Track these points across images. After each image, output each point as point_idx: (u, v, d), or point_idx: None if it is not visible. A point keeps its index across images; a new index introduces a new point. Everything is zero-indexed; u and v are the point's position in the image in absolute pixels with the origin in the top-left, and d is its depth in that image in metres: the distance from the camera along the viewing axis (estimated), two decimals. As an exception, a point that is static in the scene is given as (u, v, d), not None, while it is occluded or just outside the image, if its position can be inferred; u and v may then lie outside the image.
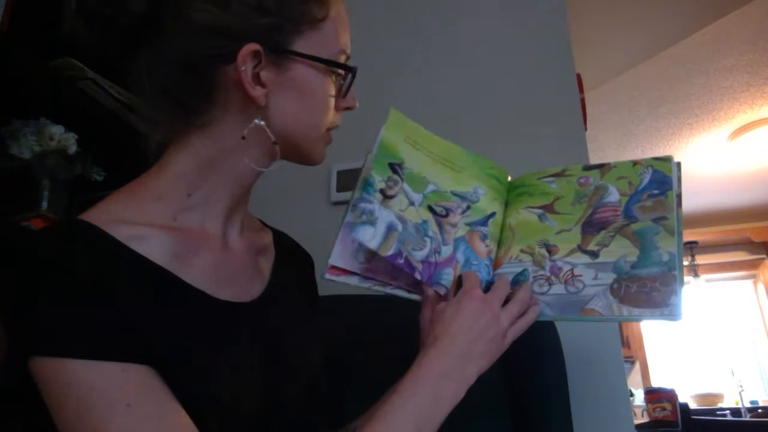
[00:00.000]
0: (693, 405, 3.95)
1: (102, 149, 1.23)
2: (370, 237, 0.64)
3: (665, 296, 0.59)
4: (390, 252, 0.64)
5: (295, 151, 0.65)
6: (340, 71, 0.64)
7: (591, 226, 0.68)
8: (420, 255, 0.66)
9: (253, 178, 0.65)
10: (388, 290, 0.67)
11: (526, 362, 0.87)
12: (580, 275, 0.65)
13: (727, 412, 3.60)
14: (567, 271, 0.65)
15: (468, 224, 0.71)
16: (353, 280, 0.67)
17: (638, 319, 0.62)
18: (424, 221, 0.69)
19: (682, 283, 0.60)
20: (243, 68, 0.57)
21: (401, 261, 0.65)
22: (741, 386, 3.74)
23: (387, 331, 0.89)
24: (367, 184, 0.67)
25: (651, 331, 4.51)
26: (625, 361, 3.93)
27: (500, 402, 0.88)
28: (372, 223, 0.65)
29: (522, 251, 0.69)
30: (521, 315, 0.64)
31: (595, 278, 0.64)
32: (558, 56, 1.30)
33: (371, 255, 0.67)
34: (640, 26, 2.34)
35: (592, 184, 0.71)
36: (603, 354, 1.07)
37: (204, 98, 0.59)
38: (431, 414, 0.57)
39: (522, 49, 1.34)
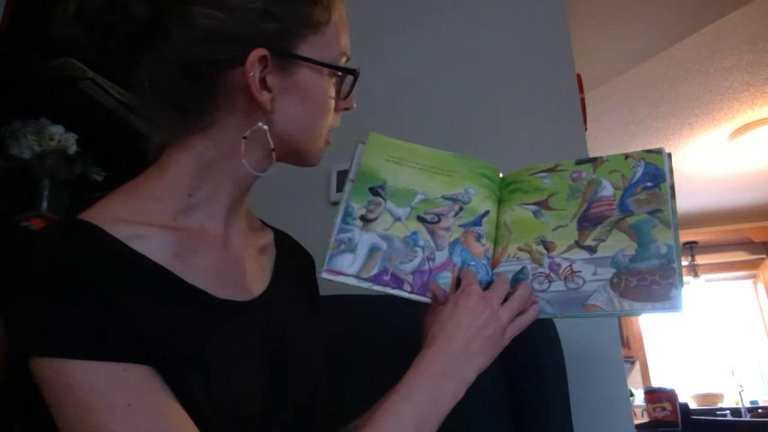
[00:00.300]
0: (693, 405, 3.95)
1: (102, 149, 1.23)
2: (349, 264, 0.67)
3: (665, 289, 0.60)
4: (373, 272, 0.66)
5: (295, 153, 0.65)
6: (341, 73, 0.64)
7: (587, 221, 0.68)
8: (410, 267, 0.67)
9: (252, 180, 0.65)
10: (389, 291, 0.67)
11: (526, 362, 0.87)
12: (580, 271, 0.65)
13: (727, 412, 3.60)
14: (566, 268, 0.65)
15: (462, 226, 0.71)
16: (351, 280, 0.67)
17: (639, 313, 0.62)
18: (414, 232, 0.69)
19: (681, 275, 0.60)
20: (251, 73, 0.57)
21: (387, 278, 0.66)
22: (741, 386, 3.74)
23: (387, 330, 0.89)
24: (346, 214, 0.69)
25: (651, 331, 4.51)
26: (625, 361, 3.93)
27: (500, 402, 0.88)
28: (351, 250, 0.67)
29: (520, 249, 0.69)
30: (521, 312, 0.64)
31: (595, 273, 0.64)
32: (558, 56, 1.30)
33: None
34: (640, 26, 2.34)
35: (585, 178, 0.71)
36: (603, 354, 1.07)
37: (207, 102, 0.59)
38: (431, 414, 0.57)
39: (522, 49, 1.34)
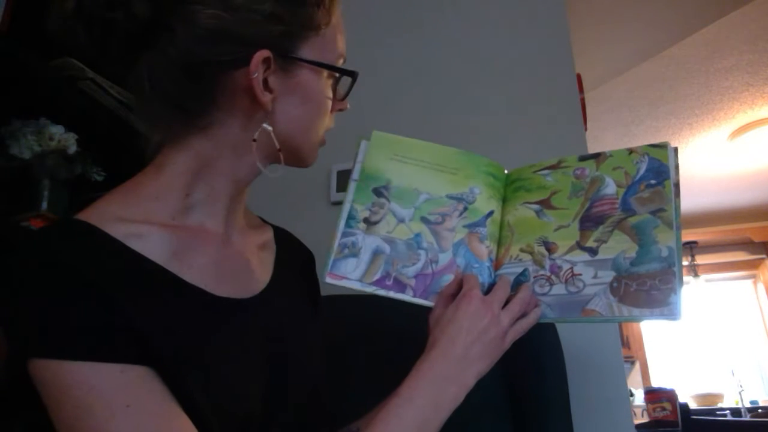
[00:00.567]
0: (693, 405, 3.95)
1: (102, 149, 1.23)
2: (353, 268, 0.67)
3: (665, 295, 0.59)
4: (376, 277, 0.66)
5: (292, 154, 0.65)
6: (339, 74, 0.65)
7: (589, 220, 0.67)
8: (413, 270, 0.67)
9: (251, 179, 0.65)
10: (392, 295, 0.67)
11: (526, 362, 0.87)
12: (580, 274, 0.64)
13: (727, 412, 3.60)
14: (567, 270, 0.65)
15: (466, 226, 0.70)
16: (355, 285, 0.67)
17: (638, 320, 0.61)
18: (417, 234, 0.69)
19: (681, 280, 0.60)
20: (255, 75, 0.57)
21: (389, 282, 0.66)
22: (741, 386, 3.74)
23: (387, 330, 0.89)
24: (350, 217, 0.69)
25: (651, 331, 4.51)
26: (625, 361, 3.93)
27: (500, 402, 0.88)
28: (355, 254, 0.67)
29: (521, 250, 0.69)
30: (522, 316, 0.64)
31: (595, 277, 0.63)
32: (558, 56, 1.30)
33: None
34: (640, 26, 2.33)
35: (588, 176, 0.70)
36: (603, 354, 1.07)
37: (207, 102, 0.59)
38: (431, 417, 0.57)
39: (522, 49, 1.34)
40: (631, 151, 0.69)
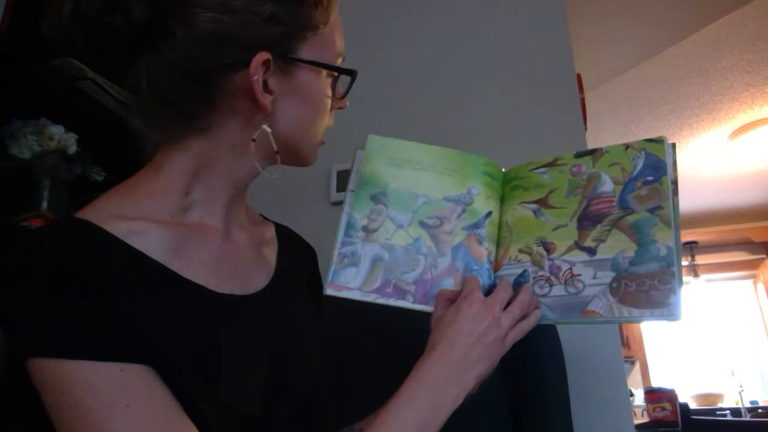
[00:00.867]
0: (693, 405, 3.95)
1: (102, 149, 1.23)
2: (353, 277, 0.67)
3: (664, 295, 0.59)
4: (376, 285, 0.67)
5: (293, 154, 0.65)
6: (338, 74, 0.65)
7: (587, 219, 0.67)
8: (412, 276, 0.67)
9: (250, 179, 0.65)
10: (392, 302, 0.67)
11: (526, 362, 0.87)
12: (579, 274, 0.64)
13: (727, 412, 3.60)
14: (566, 271, 0.65)
15: (465, 228, 0.70)
16: (355, 294, 0.67)
17: (638, 320, 0.61)
18: (416, 239, 0.69)
19: (680, 280, 0.59)
20: (255, 77, 0.57)
21: (389, 290, 0.66)
22: (741, 386, 3.74)
23: (388, 330, 0.89)
24: (349, 227, 0.69)
25: (651, 331, 4.51)
26: (625, 361, 3.93)
27: (500, 402, 0.87)
28: (355, 263, 0.68)
29: (520, 251, 0.69)
30: (523, 318, 0.64)
31: (594, 277, 0.63)
32: (558, 56, 1.30)
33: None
34: (641, 26, 2.33)
35: (585, 173, 0.69)
36: (603, 354, 1.07)
37: (206, 104, 0.59)
38: (431, 418, 0.57)
39: (522, 49, 1.34)
40: (627, 146, 0.68)
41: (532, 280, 0.66)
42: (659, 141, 0.67)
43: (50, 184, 1.16)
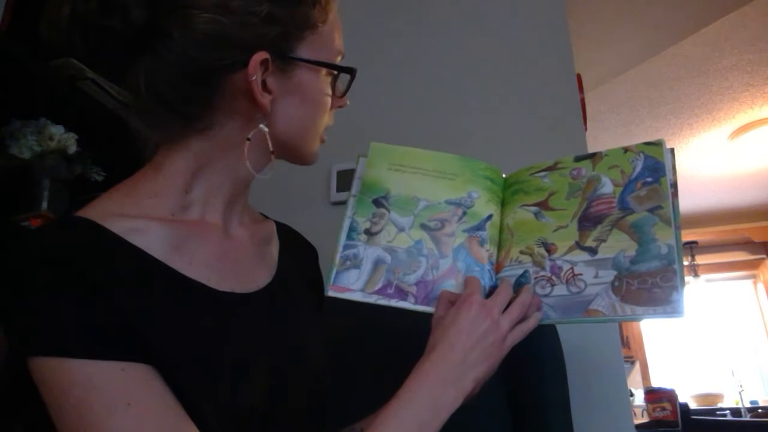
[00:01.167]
0: (693, 405, 3.95)
1: (102, 149, 1.23)
2: (354, 279, 0.68)
3: (666, 293, 0.59)
4: (378, 286, 0.68)
5: (294, 153, 0.65)
6: (338, 72, 0.65)
7: (587, 220, 0.67)
8: (414, 277, 0.68)
9: (251, 177, 0.65)
10: (393, 303, 0.67)
11: (526, 362, 0.87)
12: (581, 274, 0.64)
13: (727, 412, 3.60)
14: (567, 270, 0.65)
15: (465, 231, 0.71)
16: (357, 296, 0.68)
17: (641, 318, 0.61)
18: (417, 241, 0.70)
19: (682, 277, 0.59)
20: (254, 77, 0.57)
21: (391, 291, 0.67)
22: (741, 386, 3.74)
23: (388, 330, 0.89)
24: (351, 230, 0.70)
25: (651, 331, 4.51)
26: (625, 361, 3.93)
27: (500, 402, 0.88)
28: (357, 266, 0.69)
29: (521, 252, 0.69)
30: (523, 319, 0.64)
31: (596, 276, 0.63)
32: (558, 56, 1.30)
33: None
34: (641, 26, 2.34)
35: (584, 176, 0.70)
36: (603, 354, 1.07)
37: (206, 105, 0.59)
38: (430, 420, 0.57)
39: (522, 49, 1.34)
40: (626, 149, 0.69)
41: (533, 281, 0.67)
42: (657, 144, 0.68)
43: (50, 184, 1.16)
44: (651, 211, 0.64)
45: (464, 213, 0.72)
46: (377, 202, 0.72)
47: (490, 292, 0.66)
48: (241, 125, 0.60)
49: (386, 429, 0.55)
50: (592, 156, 0.71)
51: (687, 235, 4.40)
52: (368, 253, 0.69)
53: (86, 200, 0.58)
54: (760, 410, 3.71)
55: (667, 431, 2.41)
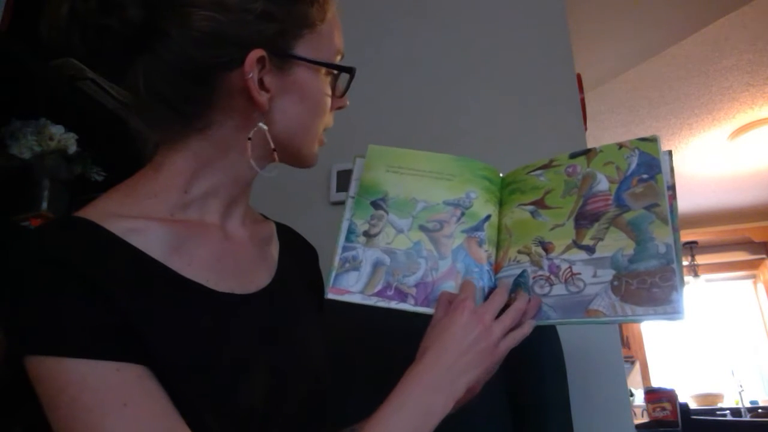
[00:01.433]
0: (693, 405, 3.94)
1: (102, 149, 1.23)
2: (354, 282, 0.68)
3: (666, 293, 0.59)
4: (377, 288, 0.68)
5: (292, 153, 0.65)
6: (337, 71, 0.65)
7: (584, 218, 0.67)
8: (413, 279, 0.68)
9: (251, 177, 0.65)
10: (393, 305, 0.68)
11: (526, 362, 0.87)
12: (579, 273, 0.64)
13: (727, 412, 3.60)
14: (566, 269, 0.65)
15: (464, 231, 0.71)
16: (356, 298, 0.68)
17: (641, 320, 0.61)
18: (416, 243, 0.70)
19: (682, 277, 0.59)
20: (250, 75, 0.57)
21: (390, 293, 0.67)
22: (741, 386, 3.74)
23: (389, 331, 0.89)
24: (349, 232, 0.70)
25: (651, 331, 4.51)
26: (625, 361, 3.93)
27: (500, 402, 0.88)
28: (356, 268, 0.69)
29: (519, 252, 0.69)
30: (517, 326, 0.64)
31: (595, 275, 0.63)
32: (558, 56, 1.30)
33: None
34: (641, 26, 2.34)
35: (580, 173, 0.70)
36: (603, 354, 1.07)
37: (204, 104, 0.59)
38: (421, 425, 0.57)
39: (522, 49, 1.34)
40: (621, 145, 0.69)
41: (531, 280, 0.66)
42: (652, 140, 0.68)
43: (50, 184, 1.16)
44: (647, 208, 0.64)
45: (463, 214, 0.72)
46: (375, 204, 0.72)
47: (490, 293, 0.66)
48: (240, 124, 0.60)
49: None
50: (587, 152, 0.71)
51: (687, 235, 4.40)
52: (367, 255, 0.69)
53: (86, 200, 0.58)
54: (760, 410, 3.70)
55: (667, 431, 2.41)
